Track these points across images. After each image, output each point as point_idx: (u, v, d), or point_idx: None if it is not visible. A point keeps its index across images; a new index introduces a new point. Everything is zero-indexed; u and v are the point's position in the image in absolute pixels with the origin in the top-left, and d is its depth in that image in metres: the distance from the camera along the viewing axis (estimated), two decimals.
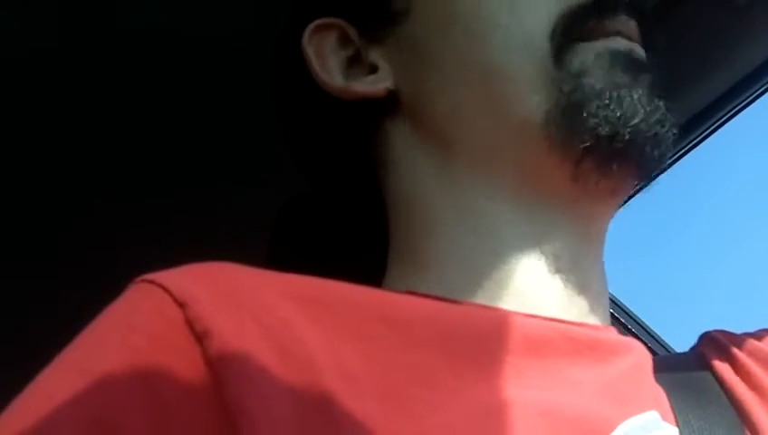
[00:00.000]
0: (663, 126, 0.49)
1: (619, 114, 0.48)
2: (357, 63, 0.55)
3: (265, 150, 0.61)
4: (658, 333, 1.14)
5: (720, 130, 1.01)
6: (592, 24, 0.51)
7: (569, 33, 0.50)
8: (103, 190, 1.02)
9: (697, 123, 0.99)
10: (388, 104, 0.54)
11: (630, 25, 0.52)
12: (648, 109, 0.49)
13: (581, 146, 0.48)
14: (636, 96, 0.49)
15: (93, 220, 1.03)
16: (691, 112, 0.97)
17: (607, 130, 0.48)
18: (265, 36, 0.61)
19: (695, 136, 1.00)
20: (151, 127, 0.96)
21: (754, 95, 0.97)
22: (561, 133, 0.49)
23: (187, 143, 0.98)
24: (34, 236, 1.05)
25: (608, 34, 0.51)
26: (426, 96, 0.53)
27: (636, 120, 0.48)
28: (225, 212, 1.03)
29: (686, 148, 1.01)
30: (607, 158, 0.49)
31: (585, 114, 0.48)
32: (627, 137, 0.48)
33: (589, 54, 0.50)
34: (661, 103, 0.50)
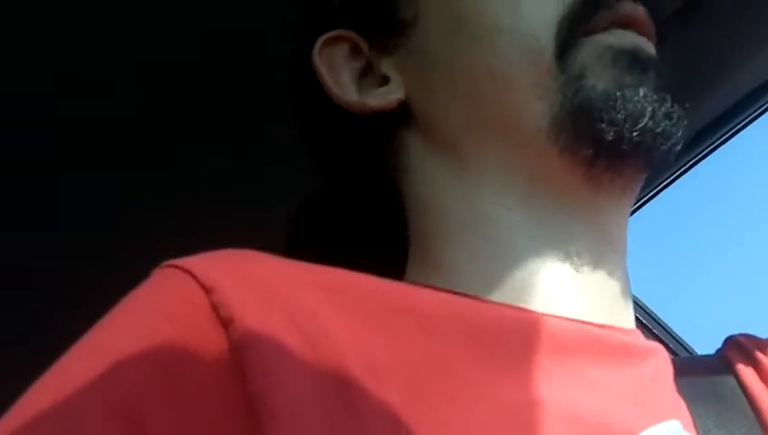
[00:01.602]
0: (671, 119, 0.48)
1: (624, 117, 0.47)
2: (369, 74, 0.55)
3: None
4: (682, 336, 1.13)
5: (744, 130, 1.00)
6: (597, 16, 0.50)
7: (575, 27, 0.49)
8: (128, 180, 1.02)
9: (720, 124, 0.98)
10: (402, 115, 0.54)
11: (639, 12, 0.51)
12: (656, 105, 0.48)
13: (590, 150, 0.48)
14: (642, 93, 0.48)
15: (120, 207, 1.04)
16: (714, 114, 0.96)
17: (611, 135, 0.47)
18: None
19: (718, 137, 0.99)
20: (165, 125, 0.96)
21: None
22: (570, 137, 0.48)
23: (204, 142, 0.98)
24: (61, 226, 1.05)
25: (616, 22, 0.50)
26: (436, 106, 0.53)
27: (643, 121, 0.47)
28: (239, 211, 1.03)
29: (709, 148, 1.00)
30: (617, 158, 0.48)
31: (590, 118, 0.48)
32: (634, 138, 0.47)
33: (591, 53, 0.49)
34: (668, 96, 0.49)
